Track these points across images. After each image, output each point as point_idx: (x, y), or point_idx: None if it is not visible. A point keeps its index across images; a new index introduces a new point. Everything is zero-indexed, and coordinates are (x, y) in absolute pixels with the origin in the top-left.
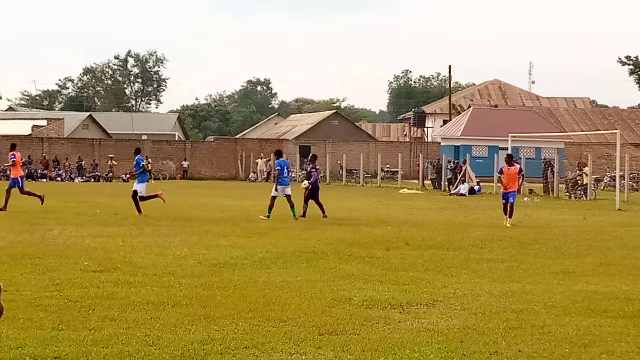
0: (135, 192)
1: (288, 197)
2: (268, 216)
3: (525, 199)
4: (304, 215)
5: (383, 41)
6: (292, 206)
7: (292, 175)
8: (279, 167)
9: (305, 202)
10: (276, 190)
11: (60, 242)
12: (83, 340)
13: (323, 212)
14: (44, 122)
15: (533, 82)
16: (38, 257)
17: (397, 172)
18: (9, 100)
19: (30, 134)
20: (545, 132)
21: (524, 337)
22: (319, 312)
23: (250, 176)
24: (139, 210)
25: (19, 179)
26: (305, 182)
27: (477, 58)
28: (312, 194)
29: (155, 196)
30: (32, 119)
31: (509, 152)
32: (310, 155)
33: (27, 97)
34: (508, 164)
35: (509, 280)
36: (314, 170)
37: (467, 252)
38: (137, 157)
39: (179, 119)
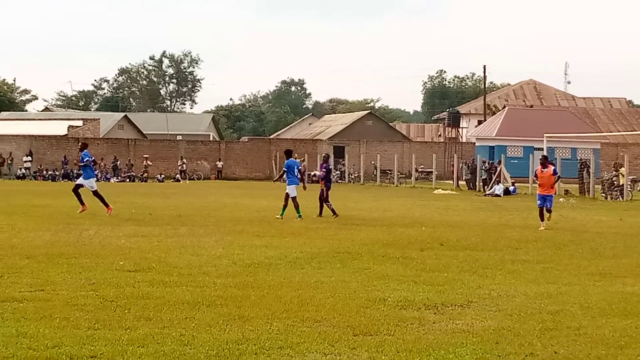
0: (77, 185)
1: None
2: (299, 215)
3: (561, 199)
4: (335, 214)
5: (417, 41)
6: (286, 206)
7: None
8: (286, 168)
9: (327, 201)
10: (291, 189)
11: (96, 241)
12: (119, 340)
13: (321, 212)
14: (79, 123)
15: (569, 82)
16: (74, 257)
17: (431, 172)
18: (45, 100)
19: (66, 134)
20: (581, 132)
21: (560, 338)
22: (354, 313)
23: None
24: (82, 203)
25: None
26: (315, 172)
27: (512, 58)
28: (326, 192)
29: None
30: (68, 119)
31: (544, 152)
32: (324, 154)
33: (63, 98)
34: (542, 166)
35: (544, 282)
36: (323, 170)
37: (502, 253)
38: (83, 152)
39: (214, 119)
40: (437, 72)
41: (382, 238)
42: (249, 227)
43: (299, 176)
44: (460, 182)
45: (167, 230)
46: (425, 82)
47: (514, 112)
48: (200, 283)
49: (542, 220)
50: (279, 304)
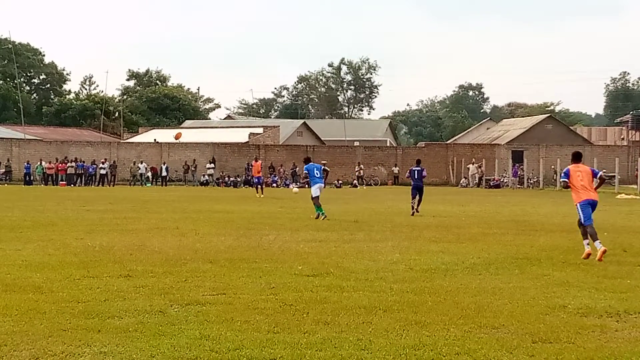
0: None
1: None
2: (323, 214)
3: None
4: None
5: (600, 43)
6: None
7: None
8: (307, 171)
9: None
10: (313, 190)
11: (275, 246)
12: (297, 343)
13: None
14: (260, 130)
15: None
16: (255, 261)
17: (614, 177)
18: (227, 109)
19: (247, 142)
20: None
21: None
22: (532, 320)
23: (461, 181)
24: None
25: None
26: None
27: None
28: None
29: None
30: (249, 126)
31: None
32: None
33: (245, 106)
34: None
35: None
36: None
37: None
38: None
39: (391, 125)
40: (620, 74)
41: (562, 244)
42: (425, 233)
43: (323, 177)
44: None
45: (344, 236)
46: (608, 84)
47: None
48: (377, 288)
49: (586, 238)
50: (456, 310)
